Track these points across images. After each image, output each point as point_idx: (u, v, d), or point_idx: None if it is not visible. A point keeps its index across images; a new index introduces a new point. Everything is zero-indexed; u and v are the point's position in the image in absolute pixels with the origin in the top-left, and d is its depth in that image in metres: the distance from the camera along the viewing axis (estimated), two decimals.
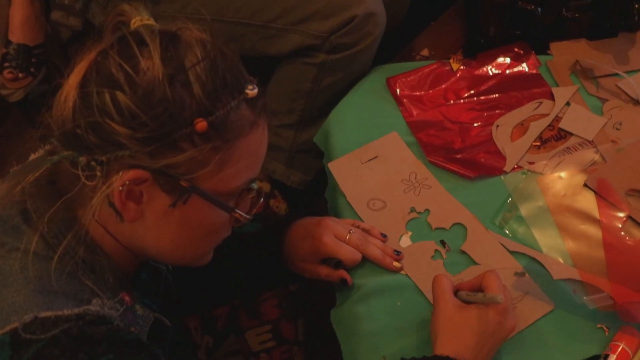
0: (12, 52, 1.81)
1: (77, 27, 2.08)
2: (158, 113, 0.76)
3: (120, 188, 0.79)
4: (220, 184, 0.82)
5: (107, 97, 0.77)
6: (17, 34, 1.81)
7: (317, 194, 1.45)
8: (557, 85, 1.41)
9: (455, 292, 1.00)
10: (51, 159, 0.81)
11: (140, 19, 0.82)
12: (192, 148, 0.78)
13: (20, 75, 1.81)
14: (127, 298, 0.88)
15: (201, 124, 0.77)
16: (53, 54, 2.00)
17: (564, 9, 1.50)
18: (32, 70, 1.83)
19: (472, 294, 0.98)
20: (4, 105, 1.95)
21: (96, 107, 0.77)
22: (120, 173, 0.78)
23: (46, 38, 1.89)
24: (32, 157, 0.99)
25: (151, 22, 0.83)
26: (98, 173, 0.79)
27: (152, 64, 0.77)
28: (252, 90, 0.82)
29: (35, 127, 2.00)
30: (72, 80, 0.80)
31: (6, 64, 1.81)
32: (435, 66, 1.43)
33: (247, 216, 0.88)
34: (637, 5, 1.43)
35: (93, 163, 0.78)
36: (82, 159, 0.79)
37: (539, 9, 1.41)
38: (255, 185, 0.89)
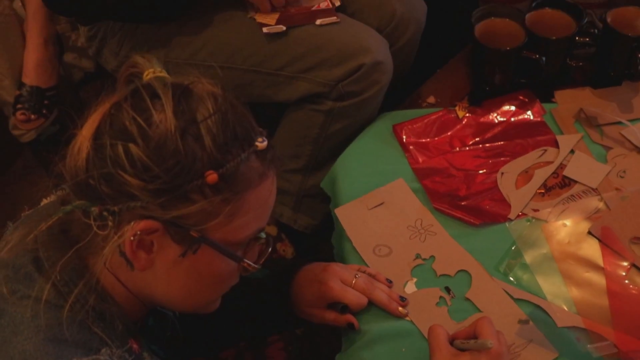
0: (26, 94, 1.84)
1: (89, 68, 2.12)
2: (170, 166, 0.78)
3: (132, 238, 0.80)
4: (230, 234, 0.84)
5: (121, 150, 0.78)
6: (31, 76, 1.85)
7: (323, 238, 1.46)
8: (561, 133, 1.43)
9: (451, 342, 1.01)
10: (64, 209, 0.83)
11: (152, 71, 0.85)
12: (202, 199, 0.80)
13: (32, 116, 1.84)
14: (135, 346, 0.89)
15: (212, 176, 0.79)
16: (65, 95, 2.03)
17: (568, 58, 1.52)
18: (44, 112, 1.86)
19: (466, 342, 0.98)
20: (15, 145, 1.98)
21: (109, 159, 0.79)
22: (132, 223, 0.80)
23: (59, 80, 1.92)
24: (44, 202, 1.00)
25: (163, 74, 0.85)
26: (110, 223, 0.80)
27: (164, 117, 0.79)
28: (261, 143, 0.84)
29: (45, 167, 2.03)
30: (86, 132, 0.82)
31: (19, 106, 1.84)
32: (441, 114, 1.45)
33: (256, 265, 0.90)
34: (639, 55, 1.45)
35: (105, 213, 0.80)
36: (95, 209, 0.80)
37: (544, 58, 1.43)
38: (263, 235, 0.91)
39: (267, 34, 1.36)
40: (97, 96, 2.19)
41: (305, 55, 1.35)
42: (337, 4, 1.41)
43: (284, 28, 1.35)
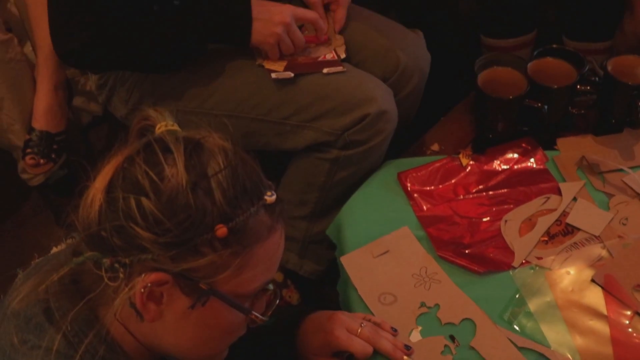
0: (35, 139, 1.87)
1: (97, 112, 2.15)
2: (181, 219, 0.80)
3: (142, 290, 0.82)
4: (238, 287, 0.85)
5: (133, 203, 0.80)
6: (41, 121, 1.87)
7: (329, 284, 1.47)
8: (564, 180, 1.45)
9: None
10: (76, 260, 0.84)
11: (165, 124, 0.87)
12: (212, 253, 0.81)
13: (41, 161, 1.86)
14: None
15: (222, 230, 0.81)
16: (73, 139, 2.06)
17: (570, 106, 1.55)
18: (53, 156, 1.88)
19: None
20: (24, 188, 2.00)
21: (121, 212, 0.81)
22: (143, 275, 0.81)
23: (68, 125, 1.95)
24: (54, 250, 1.02)
25: (175, 127, 0.87)
26: (121, 275, 0.82)
27: (176, 172, 0.81)
28: (270, 197, 0.85)
29: (53, 211, 2.04)
30: (99, 184, 0.84)
31: (28, 150, 1.87)
32: (445, 161, 1.47)
33: (263, 318, 0.91)
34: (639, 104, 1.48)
35: (117, 265, 0.82)
36: (106, 261, 0.82)
37: (546, 107, 1.45)
38: (271, 286, 0.92)
39: (275, 80, 1.38)
40: (105, 140, 2.21)
41: (311, 104, 1.37)
42: (343, 55, 1.45)
43: (292, 75, 1.38)
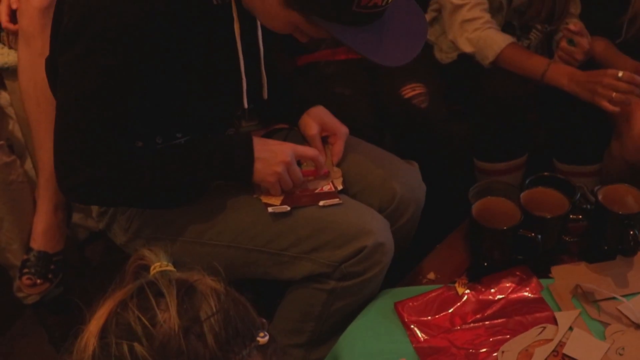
0: (33, 259, 1.87)
1: (94, 228, 2.16)
2: None
3: None
4: None
5: (125, 349, 0.80)
6: (39, 241, 1.88)
7: None
8: (559, 309, 1.46)
9: None
10: None
11: (159, 265, 0.88)
12: None
13: (38, 281, 1.86)
14: None
15: None
16: (69, 254, 2.06)
17: (563, 234, 1.57)
18: (50, 276, 1.87)
19: None
20: (16, 306, 1.99)
21: (114, 357, 0.81)
22: None
23: (66, 244, 1.96)
24: None
25: (170, 267, 0.89)
26: None
27: (168, 317, 0.82)
28: (263, 338, 0.86)
29: (46, 329, 2.03)
30: (93, 328, 0.84)
31: (25, 270, 1.86)
32: (441, 291, 1.48)
33: None
34: (632, 232, 1.50)
35: None
36: None
37: (540, 236, 1.48)
38: None
39: (272, 214, 1.41)
40: (101, 256, 2.21)
41: (309, 236, 1.40)
42: (340, 187, 1.48)
43: (288, 208, 1.41)
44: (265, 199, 1.42)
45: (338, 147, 1.54)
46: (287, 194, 1.43)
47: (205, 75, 1.37)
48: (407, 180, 1.55)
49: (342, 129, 1.56)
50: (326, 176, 1.50)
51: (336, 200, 1.43)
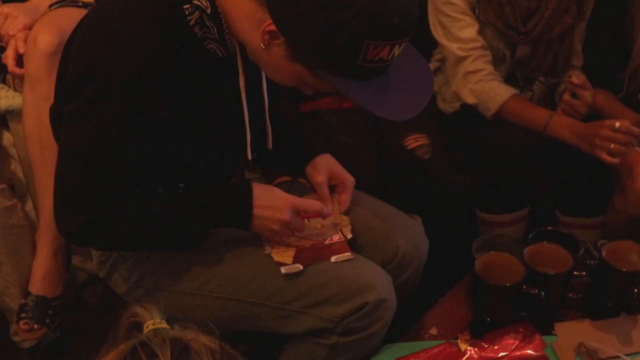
0: (31, 304, 1.85)
1: (93, 271, 2.14)
2: None
3: None
4: None
5: None
6: (38, 286, 1.87)
7: None
8: None
9: None
10: None
11: (152, 322, 0.87)
12: None
13: (35, 326, 1.84)
14: None
15: None
16: (68, 298, 2.05)
17: (567, 291, 1.56)
18: (47, 321, 1.86)
19: None
20: (12, 349, 1.96)
21: None
22: None
23: (64, 289, 1.94)
24: None
25: (163, 325, 0.87)
26: None
27: None
28: None
29: None
30: None
31: (23, 315, 1.85)
32: (443, 347, 1.47)
33: None
34: (636, 290, 1.49)
35: None
36: None
37: (543, 293, 1.47)
38: None
39: (277, 267, 1.40)
40: (100, 299, 2.20)
41: (311, 291, 1.38)
42: (349, 236, 1.47)
43: (301, 267, 1.40)
44: (277, 257, 1.41)
45: (346, 197, 1.53)
46: (298, 249, 1.42)
47: (209, 126, 1.37)
48: (411, 235, 1.54)
49: (350, 178, 1.56)
50: (335, 224, 1.49)
51: (348, 255, 1.42)
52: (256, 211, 1.37)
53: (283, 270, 1.39)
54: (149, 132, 1.28)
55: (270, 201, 1.38)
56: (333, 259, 1.41)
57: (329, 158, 1.58)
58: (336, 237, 1.47)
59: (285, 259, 1.40)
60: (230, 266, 1.42)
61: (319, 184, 1.54)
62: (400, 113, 1.26)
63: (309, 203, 1.45)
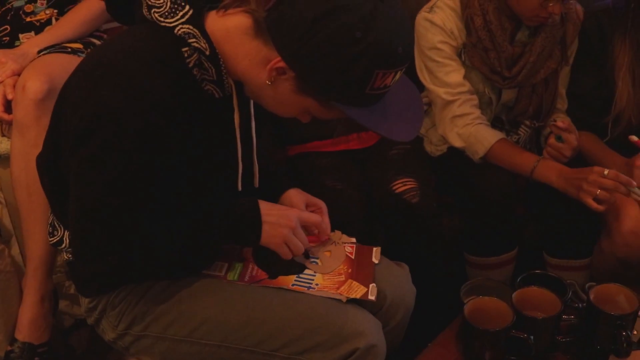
0: (17, 351, 1.83)
1: (80, 315, 2.13)
2: None
3: None
4: None
5: None
6: (24, 332, 1.84)
7: None
8: None
9: None
10: None
11: None
12: None
13: None
14: None
15: None
16: (54, 342, 2.03)
17: (555, 334, 1.57)
18: None
19: None
20: None
21: None
22: None
23: (51, 335, 1.92)
24: None
25: None
26: None
27: None
28: None
29: None
30: None
31: None
32: None
33: None
34: (624, 333, 1.50)
35: None
36: None
37: (532, 337, 1.47)
38: None
39: (266, 311, 1.40)
40: (87, 343, 2.18)
41: (301, 337, 1.38)
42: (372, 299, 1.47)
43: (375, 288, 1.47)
44: (351, 294, 1.46)
45: (326, 220, 1.56)
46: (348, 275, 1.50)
47: (205, 160, 1.39)
48: (397, 284, 1.55)
49: (323, 203, 1.60)
50: (327, 242, 1.56)
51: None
52: (265, 218, 1.41)
53: (372, 297, 1.45)
54: (157, 171, 1.31)
55: (277, 210, 1.45)
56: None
57: (299, 189, 1.62)
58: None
59: (357, 292, 1.45)
60: (219, 312, 1.42)
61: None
62: (403, 134, 1.32)
63: (310, 215, 1.52)
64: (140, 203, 1.31)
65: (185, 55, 1.28)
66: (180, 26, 1.27)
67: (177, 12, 1.27)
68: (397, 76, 1.25)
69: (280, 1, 1.22)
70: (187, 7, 1.28)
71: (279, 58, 1.23)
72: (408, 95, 1.36)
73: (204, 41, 1.27)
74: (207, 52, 1.28)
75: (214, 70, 1.30)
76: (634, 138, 1.90)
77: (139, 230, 1.32)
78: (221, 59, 1.29)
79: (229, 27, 1.29)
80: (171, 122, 1.27)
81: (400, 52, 1.21)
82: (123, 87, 1.24)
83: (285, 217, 1.44)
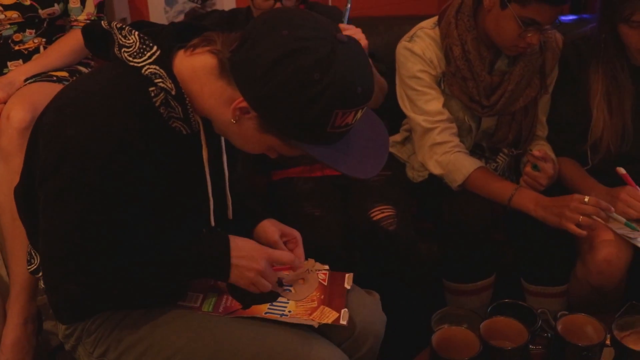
0: None
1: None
2: None
3: None
4: None
5: None
6: (7, 354, 1.88)
7: None
8: None
9: None
10: None
11: None
12: None
13: None
14: None
15: None
16: None
17: None
18: None
19: None
20: None
21: None
22: None
23: (35, 356, 1.95)
24: None
25: None
26: None
27: None
28: None
29: None
30: None
31: None
32: None
33: None
34: None
35: None
36: None
37: None
38: None
39: (238, 341, 1.42)
40: None
41: None
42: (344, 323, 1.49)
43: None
44: (323, 320, 1.48)
45: (299, 250, 1.59)
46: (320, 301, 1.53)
47: (175, 197, 1.42)
48: (367, 312, 1.57)
49: (298, 233, 1.62)
50: (301, 270, 1.59)
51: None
52: (234, 260, 1.43)
53: (344, 322, 1.47)
54: (123, 207, 1.34)
55: (246, 252, 1.45)
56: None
57: (273, 220, 1.65)
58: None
59: (328, 317, 1.48)
60: (191, 343, 1.44)
61: (276, 242, 1.60)
62: (367, 171, 1.34)
63: (282, 254, 1.53)
64: (103, 238, 1.34)
65: (152, 94, 1.32)
66: (147, 66, 1.31)
67: (145, 52, 1.31)
68: (359, 115, 1.28)
69: (243, 43, 1.25)
70: (155, 47, 1.31)
71: (241, 98, 1.27)
72: (374, 132, 1.38)
73: (170, 81, 1.31)
74: (173, 92, 1.31)
75: (180, 108, 1.34)
76: (622, 170, 1.93)
77: (101, 263, 1.35)
78: (187, 98, 1.33)
79: (195, 67, 1.32)
80: (136, 160, 1.30)
81: (359, 91, 1.24)
82: (89, 126, 1.27)
83: (254, 260, 1.45)
